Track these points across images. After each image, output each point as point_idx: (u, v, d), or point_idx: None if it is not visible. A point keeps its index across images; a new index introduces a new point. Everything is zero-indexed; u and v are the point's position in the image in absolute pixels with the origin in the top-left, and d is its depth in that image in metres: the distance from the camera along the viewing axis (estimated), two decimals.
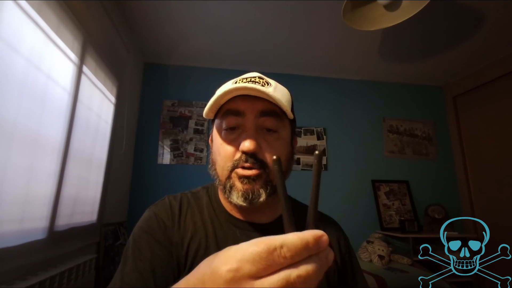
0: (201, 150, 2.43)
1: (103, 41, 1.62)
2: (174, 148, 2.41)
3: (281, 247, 0.22)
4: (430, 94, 2.90)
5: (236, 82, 0.51)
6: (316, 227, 0.27)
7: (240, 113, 0.50)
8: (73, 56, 1.30)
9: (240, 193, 0.49)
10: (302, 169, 2.51)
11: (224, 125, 0.51)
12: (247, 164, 0.48)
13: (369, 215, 2.49)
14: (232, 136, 0.51)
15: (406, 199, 2.56)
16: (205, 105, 0.51)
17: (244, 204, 0.49)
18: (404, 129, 2.77)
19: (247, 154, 0.48)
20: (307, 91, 2.69)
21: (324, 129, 2.64)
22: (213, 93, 0.51)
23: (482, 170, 2.52)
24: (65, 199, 1.26)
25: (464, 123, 2.72)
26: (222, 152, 0.51)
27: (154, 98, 2.47)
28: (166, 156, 2.38)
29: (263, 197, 0.49)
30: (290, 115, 0.51)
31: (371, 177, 2.60)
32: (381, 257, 1.96)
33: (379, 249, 1.99)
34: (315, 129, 2.62)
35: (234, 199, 0.50)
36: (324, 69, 2.67)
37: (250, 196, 0.49)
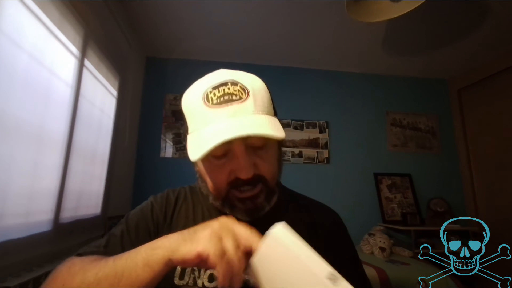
0: None
1: (105, 35, 1.61)
2: (177, 142, 2.41)
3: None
4: (434, 87, 2.87)
5: (207, 98, 0.46)
6: None
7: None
8: (75, 50, 1.30)
9: (243, 212, 0.49)
10: (304, 162, 2.51)
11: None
12: (245, 188, 0.47)
13: (371, 208, 2.49)
14: (221, 161, 0.48)
15: (409, 192, 2.56)
16: None
17: (249, 219, 0.48)
18: (407, 122, 2.75)
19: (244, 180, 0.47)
20: (309, 84, 2.67)
21: (327, 122, 2.63)
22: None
23: (486, 164, 2.51)
24: (69, 193, 1.27)
25: (469, 117, 2.70)
26: (213, 178, 0.50)
27: (156, 92, 2.47)
28: (168, 150, 2.39)
29: (267, 208, 0.50)
30: (279, 136, 0.44)
31: (374, 170, 2.60)
32: (382, 249, 1.97)
33: (380, 241, 2.01)
34: (317, 123, 2.61)
35: (237, 217, 0.47)
36: (326, 62, 2.64)
37: (255, 212, 0.49)
